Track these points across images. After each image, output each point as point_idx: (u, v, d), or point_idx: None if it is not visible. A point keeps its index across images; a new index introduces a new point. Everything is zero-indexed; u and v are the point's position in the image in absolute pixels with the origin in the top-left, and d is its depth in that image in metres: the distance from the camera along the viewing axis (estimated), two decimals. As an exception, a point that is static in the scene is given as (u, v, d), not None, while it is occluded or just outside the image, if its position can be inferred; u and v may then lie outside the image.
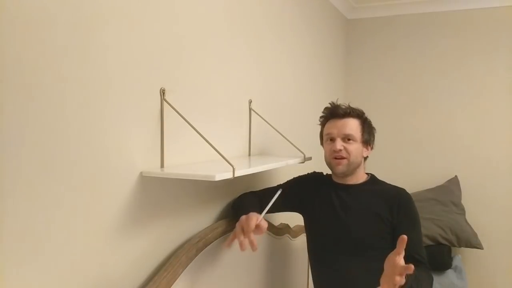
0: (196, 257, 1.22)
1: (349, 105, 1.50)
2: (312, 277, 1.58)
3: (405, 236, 1.11)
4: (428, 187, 2.68)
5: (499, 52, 2.60)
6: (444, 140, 2.75)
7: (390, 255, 1.14)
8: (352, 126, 1.45)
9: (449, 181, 2.67)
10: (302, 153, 1.68)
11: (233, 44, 1.51)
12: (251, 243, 1.23)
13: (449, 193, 2.60)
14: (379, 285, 1.16)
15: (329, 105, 1.53)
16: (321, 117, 1.55)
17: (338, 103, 1.51)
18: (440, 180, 2.70)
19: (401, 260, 1.11)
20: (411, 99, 2.84)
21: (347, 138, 1.44)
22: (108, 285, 1.02)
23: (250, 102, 1.64)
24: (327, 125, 1.51)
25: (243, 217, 1.28)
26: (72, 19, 0.88)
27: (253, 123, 1.66)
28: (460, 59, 2.70)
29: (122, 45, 1.02)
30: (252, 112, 1.65)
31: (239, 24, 1.55)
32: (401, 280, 1.10)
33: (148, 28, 1.10)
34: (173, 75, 1.20)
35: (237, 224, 1.28)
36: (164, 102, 1.15)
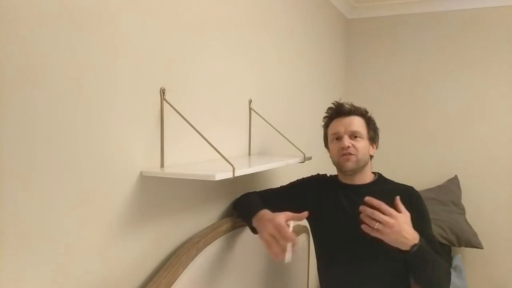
0: (196, 257, 1.22)
1: (352, 104, 1.48)
2: (320, 280, 1.55)
3: (398, 197, 1.23)
4: (428, 187, 2.68)
5: (500, 51, 2.60)
6: (444, 140, 2.76)
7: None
8: (358, 123, 1.44)
9: (449, 180, 2.67)
10: (302, 152, 1.68)
11: (233, 44, 1.51)
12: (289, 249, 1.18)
13: (449, 193, 2.60)
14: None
15: (332, 105, 1.50)
16: (325, 117, 1.53)
17: (342, 101, 1.49)
18: (440, 180, 2.70)
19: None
20: (411, 99, 2.84)
21: (354, 136, 1.42)
22: (108, 285, 1.02)
23: (250, 102, 1.64)
24: (332, 125, 1.48)
25: (269, 225, 1.21)
26: (72, 19, 0.88)
27: (253, 123, 1.66)
28: (460, 58, 2.70)
29: (122, 44, 1.02)
30: (252, 112, 1.65)
31: (239, 23, 1.55)
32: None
33: (148, 27, 1.10)
34: (173, 75, 1.20)
35: (264, 233, 1.21)
36: (164, 102, 1.15)
